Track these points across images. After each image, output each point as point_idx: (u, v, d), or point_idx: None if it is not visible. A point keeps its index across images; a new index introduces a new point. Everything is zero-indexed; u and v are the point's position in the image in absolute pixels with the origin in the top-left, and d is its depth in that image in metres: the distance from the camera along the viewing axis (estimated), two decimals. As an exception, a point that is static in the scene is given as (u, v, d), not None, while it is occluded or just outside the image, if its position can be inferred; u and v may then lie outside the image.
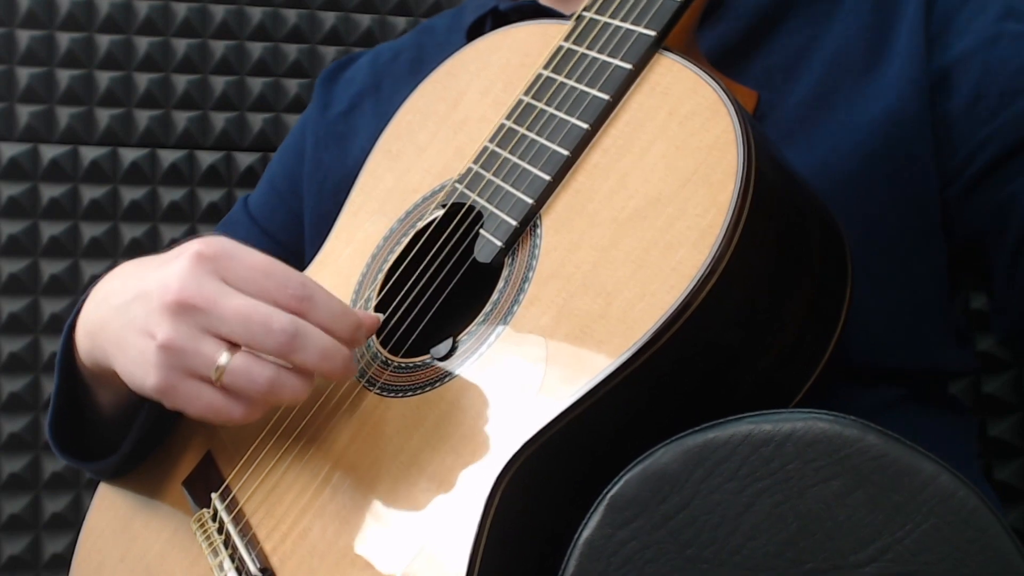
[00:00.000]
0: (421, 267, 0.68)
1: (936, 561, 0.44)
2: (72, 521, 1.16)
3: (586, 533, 0.48)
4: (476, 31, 0.84)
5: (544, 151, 0.63)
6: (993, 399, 1.12)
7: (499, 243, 0.62)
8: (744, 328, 0.56)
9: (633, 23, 0.63)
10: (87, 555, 0.77)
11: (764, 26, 0.74)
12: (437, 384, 0.60)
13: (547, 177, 0.62)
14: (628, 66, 0.62)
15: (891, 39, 0.71)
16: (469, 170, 0.68)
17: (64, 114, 1.19)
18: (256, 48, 1.26)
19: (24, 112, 1.18)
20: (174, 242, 1.20)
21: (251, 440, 0.68)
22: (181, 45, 1.23)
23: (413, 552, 0.55)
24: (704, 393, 0.56)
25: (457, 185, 0.68)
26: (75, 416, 0.76)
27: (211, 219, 1.22)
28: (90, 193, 1.20)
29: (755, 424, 0.47)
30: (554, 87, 0.66)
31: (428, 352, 0.62)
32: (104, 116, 1.20)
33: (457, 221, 0.67)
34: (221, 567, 0.63)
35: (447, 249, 0.67)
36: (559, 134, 0.63)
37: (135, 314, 0.62)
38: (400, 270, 0.69)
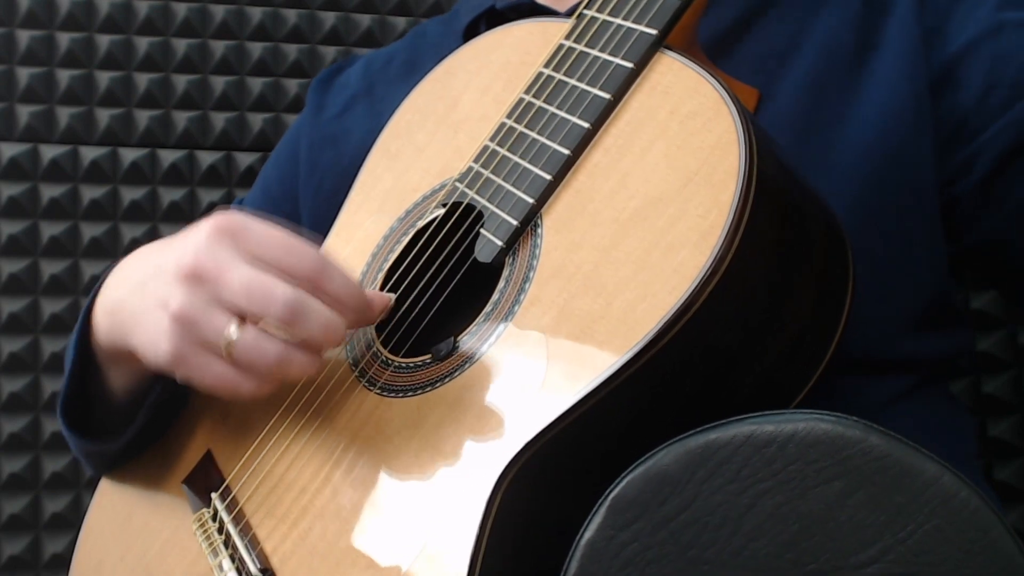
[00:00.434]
0: (421, 266, 0.68)
1: (938, 562, 0.44)
2: (72, 521, 1.16)
3: (588, 534, 0.48)
4: (472, 32, 0.84)
5: (545, 150, 0.63)
6: (993, 399, 1.12)
7: (500, 243, 0.62)
8: (746, 329, 0.56)
9: (634, 22, 0.63)
10: (87, 554, 0.77)
11: (754, 13, 0.75)
12: (438, 384, 0.60)
13: (548, 176, 0.62)
14: (629, 65, 0.61)
15: (882, 30, 0.72)
16: (469, 169, 0.68)
17: (64, 114, 1.19)
18: (256, 48, 1.26)
19: (24, 112, 1.18)
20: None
21: (252, 439, 0.68)
22: (181, 45, 1.23)
23: (414, 552, 0.55)
24: (706, 394, 0.56)
25: (457, 184, 0.68)
26: (84, 398, 0.76)
27: (211, 219, 1.22)
28: (90, 193, 1.20)
29: (757, 425, 0.47)
30: (555, 86, 0.65)
31: (429, 352, 0.62)
32: (104, 116, 1.20)
33: (457, 220, 0.67)
34: (221, 567, 0.63)
35: (448, 248, 0.67)
36: (560, 133, 0.63)
37: (153, 287, 0.63)
38: (400, 269, 0.69)
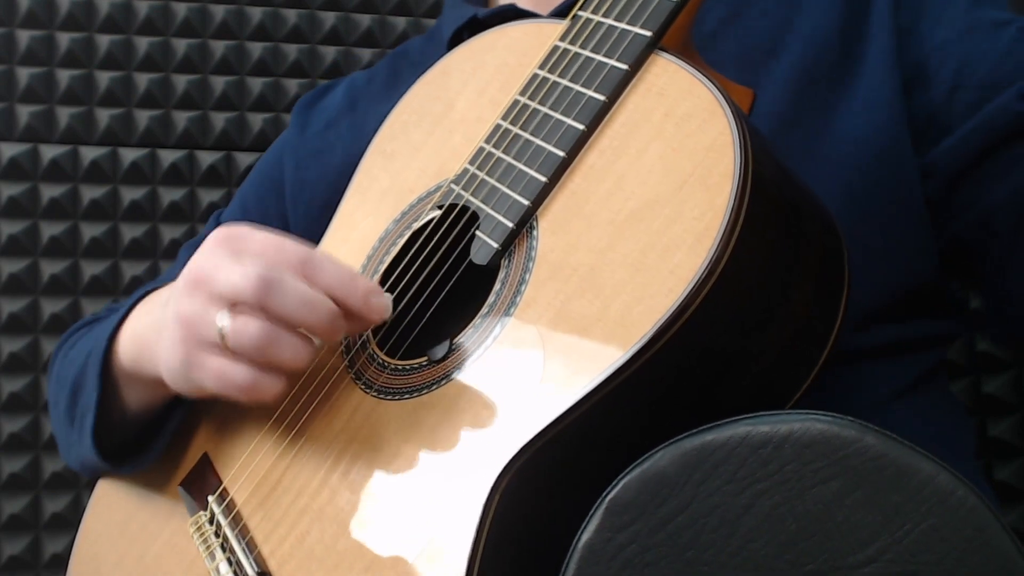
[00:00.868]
0: (417, 268, 0.68)
1: (935, 561, 0.43)
2: (72, 521, 1.16)
3: (585, 537, 0.48)
4: (457, 42, 0.84)
5: (540, 152, 0.63)
6: (993, 399, 1.12)
7: (495, 245, 0.62)
8: (742, 330, 0.55)
9: (629, 23, 0.62)
10: (84, 558, 0.77)
11: (738, 8, 0.75)
12: (434, 386, 0.60)
13: (543, 178, 0.62)
14: (624, 66, 0.61)
15: (866, 24, 0.72)
16: (465, 171, 0.68)
17: (64, 114, 1.19)
18: (256, 48, 1.26)
19: (24, 112, 1.18)
20: (174, 242, 1.21)
21: (248, 442, 0.68)
22: (181, 45, 1.23)
23: (411, 555, 0.55)
24: (702, 395, 0.56)
25: (453, 186, 0.68)
26: (108, 425, 0.77)
27: (211, 220, 1.22)
28: (90, 193, 1.20)
29: (753, 426, 0.47)
30: (549, 87, 0.65)
31: (425, 354, 0.62)
32: (104, 116, 1.20)
33: (453, 222, 0.67)
34: (219, 571, 0.63)
35: (443, 250, 0.67)
36: (555, 135, 0.63)
37: (170, 306, 0.65)
38: (397, 272, 0.69)
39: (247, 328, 0.60)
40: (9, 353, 1.16)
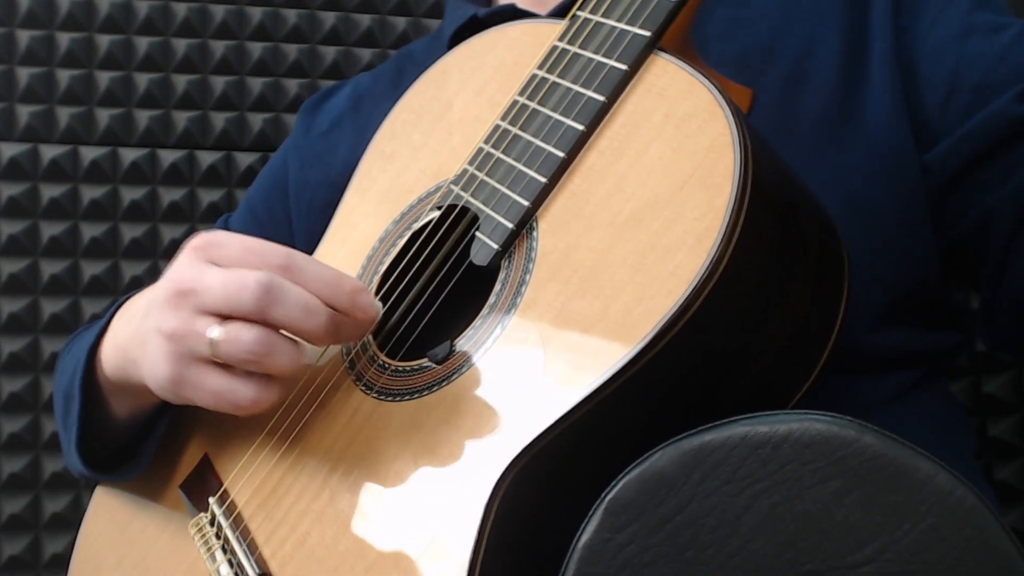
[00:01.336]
0: (417, 269, 0.68)
1: (935, 561, 0.43)
2: (72, 521, 1.16)
3: (584, 537, 0.48)
4: (457, 42, 0.84)
5: (540, 153, 0.63)
6: (993, 399, 1.12)
7: (495, 246, 0.62)
8: (743, 331, 0.55)
9: (628, 23, 0.62)
10: (84, 559, 0.77)
11: (737, 8, 0.75)
12: (435, 388, 0.60)
13: (543, 179, 0.62)
14: (623, 67, 0.61)
15: (866, 28, 0.72)
16: (464, 171, 0.68)
17: (64, 114, 1.19)
18: (256, 48, 1.26)
19: (24, 112, 1.18)
20: (174, 242, 1.21)
21: (249, 444, 0.68)
22: (181, 45, 1.23)
23: (413, 556, 0.55)
24: (702, 395, 0.56)
25: (452, 187, 0.68)
26: (91, 437, 0.77)
27: (211, 219, 1.22)
28: (90, 193, 1.20)
29: (751, 426, 0.47)
30: (548, 87, 0.65)
31: (425, 356, 0.62)
32: (104, 116, 1.20)
33: (452, 223, 0.67)
34: (219, 572, 0.63)
35: (443, 251, 0.67)
36: (554, 135, 0.63)
37: (151, 318, 0.63)
38: (396, 273, 0.69)
39: (241, 337, 0.58)
40: (9, 353, 1.16)
